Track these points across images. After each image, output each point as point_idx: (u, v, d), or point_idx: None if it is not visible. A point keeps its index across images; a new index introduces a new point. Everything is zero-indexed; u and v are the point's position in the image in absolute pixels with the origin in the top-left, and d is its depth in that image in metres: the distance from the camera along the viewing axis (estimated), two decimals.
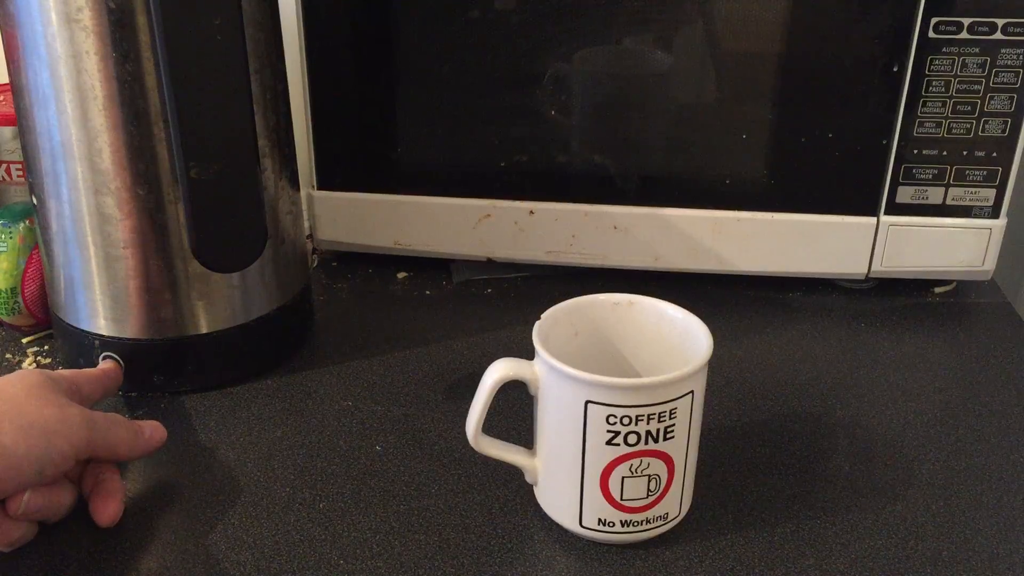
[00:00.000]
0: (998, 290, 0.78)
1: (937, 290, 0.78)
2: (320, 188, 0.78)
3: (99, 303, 0.62)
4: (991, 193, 0.71)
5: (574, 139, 0.75)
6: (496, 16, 0.71)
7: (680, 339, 0.53)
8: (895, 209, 0.72)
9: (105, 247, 0.60)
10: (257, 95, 0.60)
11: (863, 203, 0.72)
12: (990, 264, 0.73)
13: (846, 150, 0.71)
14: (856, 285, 0.77)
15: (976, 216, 0.72)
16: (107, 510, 0.52)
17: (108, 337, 0.62)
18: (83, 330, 0.63)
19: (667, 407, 0.48)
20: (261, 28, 0.60)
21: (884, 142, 0.70)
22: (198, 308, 0.62)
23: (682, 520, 0.52)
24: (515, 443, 0.54)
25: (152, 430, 0.56)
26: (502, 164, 0.75)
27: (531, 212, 0.76)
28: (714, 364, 0.50)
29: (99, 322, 0.62)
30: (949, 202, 0.72)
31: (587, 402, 0.48)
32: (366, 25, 0.73)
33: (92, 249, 0.60)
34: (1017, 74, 0.67)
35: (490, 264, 0.79)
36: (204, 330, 0.63)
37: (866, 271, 0.75)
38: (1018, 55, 0.67)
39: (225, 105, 0.56)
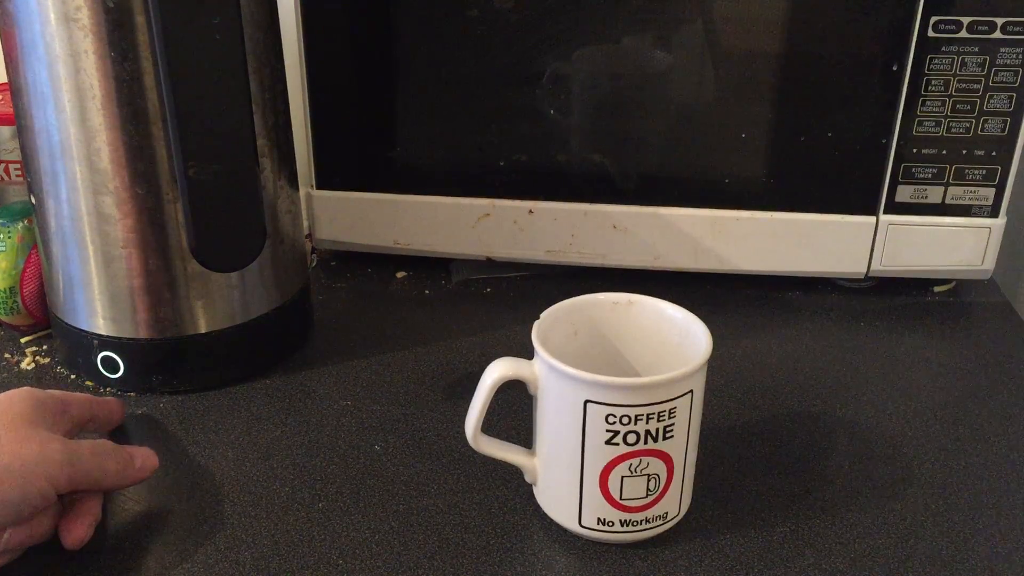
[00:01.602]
0: (997, 289, 0.78)
1: (936, 289, 0.78)
2: (319, 187, 0.78)
3: (98, 303, 0.61)
4: (990, 192, 0.71)
5: (573, 138, 0.75)
6: (495, 15, 0.71)
7: (680, 339, 0.53)
8: (894, 208, 0.72)
9: (104, 247, 0.60)
10: (256, 94, 0.60)
11: (862, 202, 0.72)
12: (989, 263, 0.73)
13: (845, 149, 0.71)
14: (855, 284, 0.77)
15: (975, 215, 0.72)
16: (74, 532, 0.50)
17: (107, 337, 0.62)
18: (82, 330, 0.63)
19: (666, 407, 0.48)
20: (260, 27, 0.60)
21: (883, 141, 0.70)
22: (197, 308, 0.62)
23: (681, 519, 0.52)
24: (514, 443, 0.54)
25: (143, 459, 0.53)
26: (501, 163, 0.75)
27: (530, 211, 0.76)
28: (714, 363, 0.50)
29: (98, 322, 0.62)
30: (949, 201, 0.72)
31: (586, 401, 0.47)
32: (365, 24, 0.72)
33: (91, 249, 0.60)
34: (1016, 73, 0.67)
35: (489, 263, 0.79)
36: (203, 330, 0.63)
37: (865, 270, 0.75)
38: (1018, 54, 0.67)
39: (224, 105, 0.56)
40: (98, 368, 0.63)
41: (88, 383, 0.65)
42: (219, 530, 0.53)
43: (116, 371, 0.63)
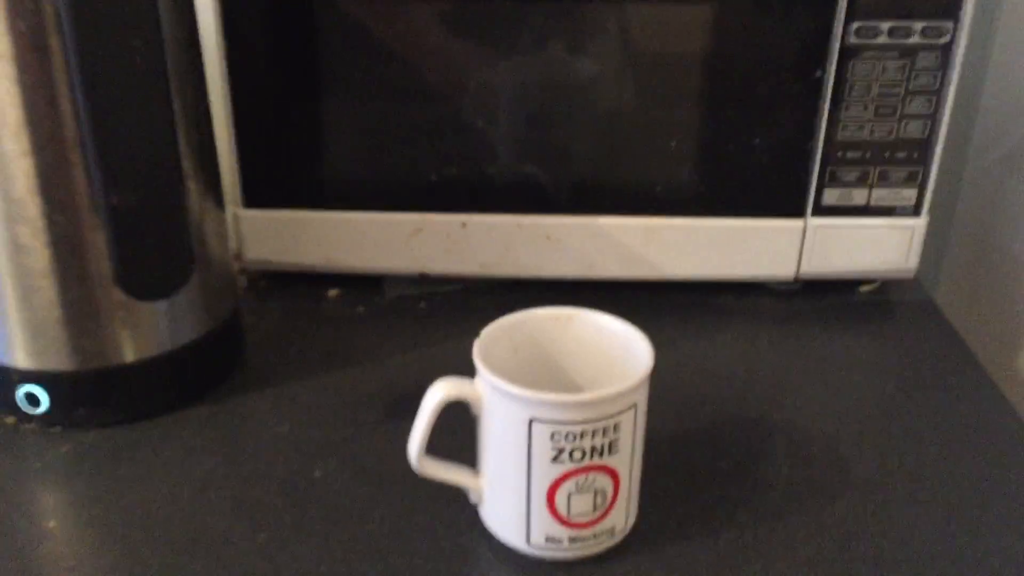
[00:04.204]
0: (920, 287, 0.80)
1: (862, 289, 0.80)
2: (247, 207, 0.76)
3: (16, 336, 0.59)
4: (913, 193, 0.73)
5: (503, 150, 0.75)
6: (421, 28, 0.71)
7: (621, 351, 0.53)
8: (821, 211, 0.73)
9: (21, 278, 0.57)
10: (179, 115, 0.58)
11: (790, 206, 0.73)
12: (913, 262, 0.75)
13: (772, 155, 0.72)
14: (785, 287, 0.79)
15: (899, 215, 0.74)
16: None
17: (27, 370, 0.60)
18: (1, 364, 0.60)
19: (611, 422, 0.48)
20: (181, 46, 0.58)
21: (809, 146, 0.71)
22: (122, 336, 0.60)
23: (628, 532, 0.52)
24: (458, 462, 0.53)
25: None
26: (432, 177, 0.74)
27: (463, 225, 0.75)
28: (652, 372, 0.50)
29: (17, 355, 0.60)
30: (873, 203, 0.73)
31: (531, 420, 0.47)
32: (288, 39, 0.71)
33: (7, 280, 0.57)
34: (935, 76, 0.69)
35: (423, 279, 0.78)
36: (130, 359, 0.61)
37: (795, 273, 0.76)
38: (935, 56, 0.69)
39: (146, 128, 0.54)
40: (21, 403, 0.61)
41: (10, 420, 0.62)
42: (155, 568, 0.51)
43: (39, 406, 0.60)
